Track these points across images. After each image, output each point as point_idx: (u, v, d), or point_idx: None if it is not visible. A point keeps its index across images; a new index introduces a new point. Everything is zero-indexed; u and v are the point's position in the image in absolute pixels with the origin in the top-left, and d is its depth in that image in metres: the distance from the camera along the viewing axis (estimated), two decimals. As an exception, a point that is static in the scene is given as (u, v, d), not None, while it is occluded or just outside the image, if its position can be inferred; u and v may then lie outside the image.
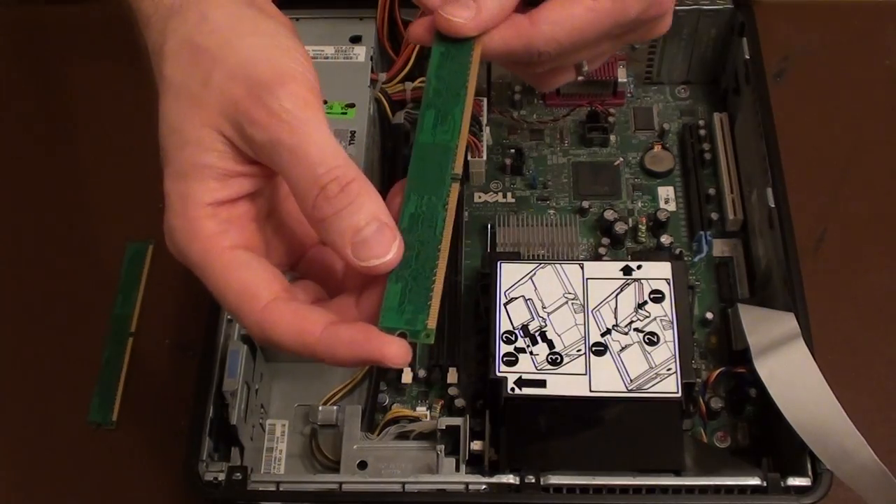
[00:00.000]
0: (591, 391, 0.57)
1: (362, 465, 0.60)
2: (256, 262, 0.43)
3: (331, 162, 0.41)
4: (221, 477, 0.56)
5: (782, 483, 0.55)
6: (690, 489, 0.55)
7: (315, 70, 0.43)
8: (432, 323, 0.42)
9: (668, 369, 0.57)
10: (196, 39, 0.43)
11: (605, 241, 0.70)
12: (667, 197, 0.72)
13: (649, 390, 0.57)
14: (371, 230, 0.41)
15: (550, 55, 0.50)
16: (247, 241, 0.44)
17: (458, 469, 0.59)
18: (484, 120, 0.71)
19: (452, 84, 0.48)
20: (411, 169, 0.46)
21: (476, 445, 0.60)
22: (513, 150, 0.74)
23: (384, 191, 0.44)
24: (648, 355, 0.58)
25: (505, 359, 0.58)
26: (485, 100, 0.72)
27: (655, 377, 0.57)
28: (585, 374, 0.57)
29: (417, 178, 0.45)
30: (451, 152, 0.46)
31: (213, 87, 0.42)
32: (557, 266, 0.61)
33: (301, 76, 0.42)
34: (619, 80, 0.74)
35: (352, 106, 0.68)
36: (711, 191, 0.71)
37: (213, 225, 0.43)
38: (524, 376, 0.58)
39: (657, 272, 0.61)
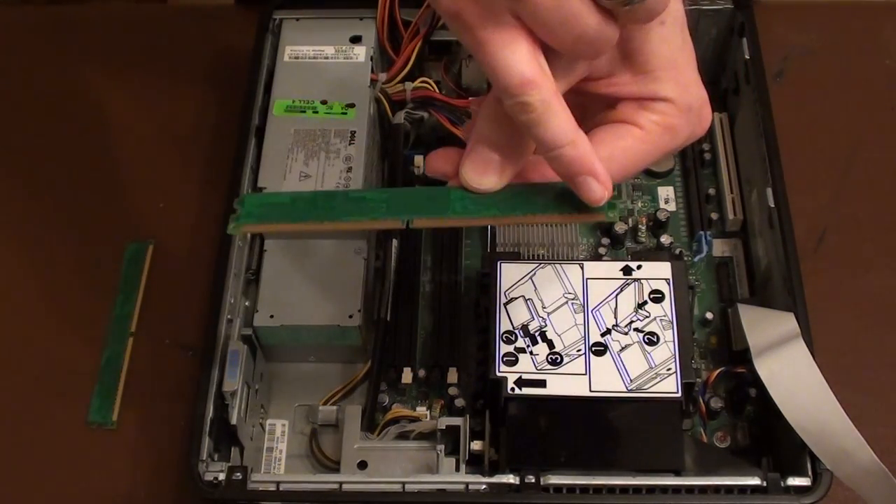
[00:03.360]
0: (591, 391, 0.57)
1: (362, 465, 0.60)
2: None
3: None
4: (221, 477, 0.56)
5: (782, 483, 0.55)
6: (690, 489, 0.55)
7: None
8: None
9: (668, 369, 0.57)
10: None
11: (605, 241, 0.70)
12: (667, 197, 0.72)
13: (649, 390, 0.57)
14: None
15: None
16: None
17: (458, 469, 0.59)
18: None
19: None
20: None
21: (476, 445, 0.60)
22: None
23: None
24: (648, 355, 0.58)
25: (505, 359, 0.58)
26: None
27: (655, 377, 0.57)
28: (585, 374, 0.57)
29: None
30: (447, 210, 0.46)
31: None
32: (557, 266, 0.61)
33: None
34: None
35: (352, 106, 0.68)
36: (711, 191, 0.71)
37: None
38: (524, 376, 0.58)
39: (657, 272, 0.61)
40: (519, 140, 0.45)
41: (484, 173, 0.46)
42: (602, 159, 0.45)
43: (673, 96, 0.47)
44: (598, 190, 0.45)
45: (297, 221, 0.46)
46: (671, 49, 0.47)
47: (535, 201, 0.46)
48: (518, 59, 0.42)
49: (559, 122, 0.43)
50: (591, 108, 0.49)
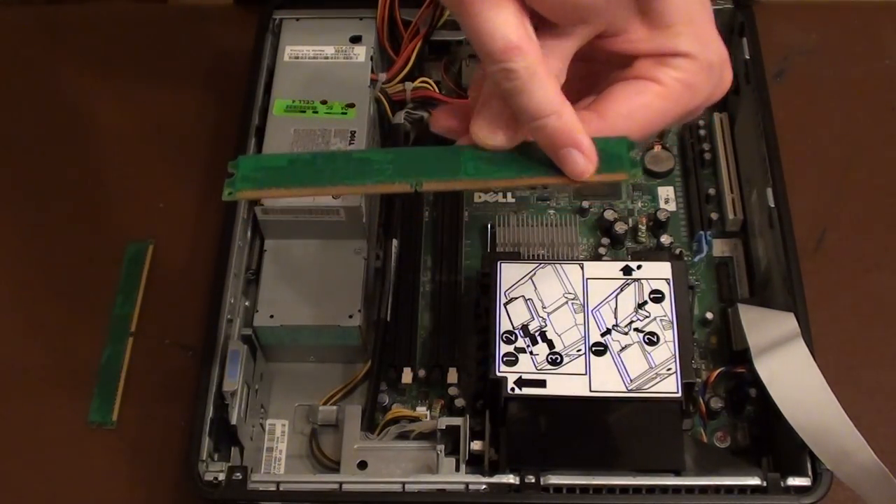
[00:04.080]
0: (591, 391, 0.57)
1: (362, 465, 0.60)
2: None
3: None
4: (221, 477, 0.56)
5: (782, 483, 0.55)
6: (690, 489, 0.55)
7: None
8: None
9: (668, 369, 0.57)
10: None
11: (605, 241, 0.70)
12: (667, 197, 0.72)
13: (649, 390, 0.57)
14: None
15: None
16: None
17: (458, 469, 0.59)
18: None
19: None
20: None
21: (476, 445, 0.60)
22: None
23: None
24: (648, 355, 0.58)
25: (505, 359, 0.58)
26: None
27: (655, 377, 0.57)
28: (585, 374, 0.57)
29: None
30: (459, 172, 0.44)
31: None
32: (557, 266, 0.61)
33: None
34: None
35: (352, 106, 0.68)
36: (711, 191, 0.71)
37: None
38: (524, 376, 0.58)
39: (657, 272, 0.61)
40: None
41: (496, 129, 0.44)
42: (621, 116, 0.44)
43: (693, 52, 0.45)
44: (582, 163, 0.44)
45: (296, 186, 0.44)
46: (689, 3, 0.45)
47: (551, 160, 0.44)
48: (503, 22, 0.41)
49: (544, 91, 0.42)
50: (602, 73, 0.47)
